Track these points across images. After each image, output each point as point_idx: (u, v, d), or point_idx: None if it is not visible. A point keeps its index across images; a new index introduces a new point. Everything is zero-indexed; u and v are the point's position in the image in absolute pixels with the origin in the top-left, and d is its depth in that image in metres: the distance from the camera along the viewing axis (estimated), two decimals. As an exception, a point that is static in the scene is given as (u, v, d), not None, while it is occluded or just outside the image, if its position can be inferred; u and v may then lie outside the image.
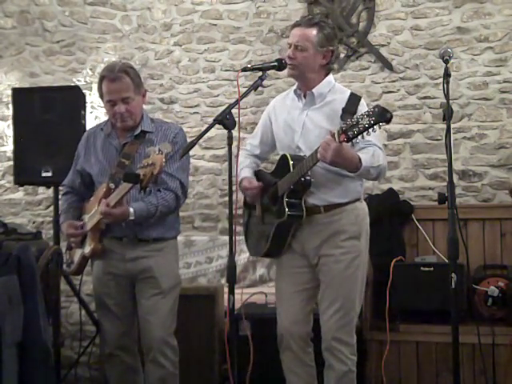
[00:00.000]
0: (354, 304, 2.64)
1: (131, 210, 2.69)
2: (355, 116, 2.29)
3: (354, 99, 2.64)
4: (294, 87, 2.79)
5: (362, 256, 2.68)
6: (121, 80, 2.74)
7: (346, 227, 2.65)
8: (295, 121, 2.72)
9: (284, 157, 2.67)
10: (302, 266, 2.72)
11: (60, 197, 3.12)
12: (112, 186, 2.78)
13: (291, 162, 2.60)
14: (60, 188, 3.12)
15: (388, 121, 2.24)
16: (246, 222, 2.95)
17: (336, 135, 2.32)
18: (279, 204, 2.63)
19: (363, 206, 2.75)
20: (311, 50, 2.65)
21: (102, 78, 2.79)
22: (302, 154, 2.63)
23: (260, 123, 2.94)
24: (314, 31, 2.65)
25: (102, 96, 2.82)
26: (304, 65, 2.66)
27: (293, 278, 2.73)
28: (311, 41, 2.64)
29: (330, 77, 2.75)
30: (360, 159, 2.43)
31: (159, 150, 2.36)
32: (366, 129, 2.24)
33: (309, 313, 2.74)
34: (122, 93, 2.74)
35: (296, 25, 2.71)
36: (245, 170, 2.85)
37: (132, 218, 2.70)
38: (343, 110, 2.56)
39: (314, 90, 2.70)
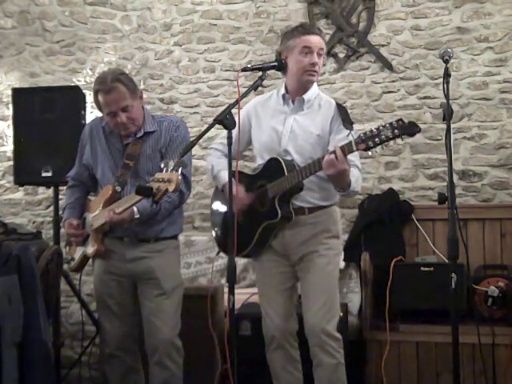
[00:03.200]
0: (336, 299, 2.72)
1: (135, 209, 2.68)
2: (376, 127, 2.37)
3: (342, 109, 2.73)
4: (282, 91, 2.81)
5: (339, 255, 2.83)
6: (116, 90, 2.69)
7: (330, 227, 2.76)
8: (281, 125, 2.76)
9: (276, 160, 2.71)
10: (282, 266, 2.79)
11: (66, 189, 3.05)
12: (118, 188, 2.77)
13: (285, 167, 2.65)
14: (66, 178, 3.06)
15: (414, 134, 2.35)
16: (220, 221, 2.93)
17: (353, 144, 2.40)
18: (270, 206, 2.68)
19: (338, 210, 2.87)
20: (324, 57, 2.76)
21: (96, 92, 2.74)
22: (289, 158, 2.70)
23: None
24: (323, 40, 2.75)
25: (100, 109, 2.79)
26: (320, 70, 2.76)
27: (275, 277, 2.79)
28: (324, 48, 2.75)
29: (315, 84, 2.82)
30: (350, 184, 2.55)
31: (174, 167, 2.33)
32: (389, 140, 2.34)
33: (294, 310, 2.82)
34: (120, 103, 2.71)
35: (311, 32, 2.72)
36: (224, 172, 2.82)
37: (137, 216, 2.70)
38: (342, 119, 2.63)
39: (304, 96, 2.76)
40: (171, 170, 2.31)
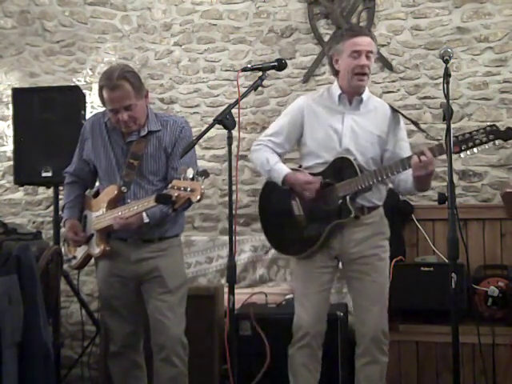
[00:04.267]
0: (388, 299, 2.82)
1: (144, 213, 2.67)
2: (469, 131, 2.49)
3: (397, 112, 2.84)
4: (337, 91, 2.80)
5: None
6: (121, 88, 2.65)
7: (384, 228, 2.84)
8: (340, 124, 2.78)
9: (345, 160, 2.72)
10: (329, 267, 2.82)
11: (64, 185, 3.01)
12: (124, 189, 2.75)
13: (357, 167, 2.69)
14: (64, 174, 3.02)
15: (509, 139, 2.47)
16: (271, 223, 2.92)
17: (444, 146, 2.48)
18: (340, 204, 2.70)
19: None
20: (374, 57, 2.79)
21: (101, 87, 2.70)
22: (351, 157, 2.72)
23: (285, 121, 2.88)
24: (372, 40, 2.77)
25: (104, 104, 2.76)
26: (370, 72, 2.78)
27: (319, 277, 2.80)
28: (374, 49, 2.77)
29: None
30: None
31: (195, 176, 2.27)
32: (482, 144, 2.45)
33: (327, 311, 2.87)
34: (124, 101, 2.67)
35: (361, 33, 2.76)
36: (280, 164, 2.82)
37: (147, 221, 2.69)
38: (414, 123, 2.84)
39: (363, 96, 2.80)
40: (191, 179, 2.27)
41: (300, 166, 2.92)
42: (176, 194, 2.27)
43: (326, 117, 2.80)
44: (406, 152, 2.78)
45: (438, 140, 4.18)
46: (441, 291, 3.13)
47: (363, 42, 2.71)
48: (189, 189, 2.27)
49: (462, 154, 2.51)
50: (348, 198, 2.69)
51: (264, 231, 2.96)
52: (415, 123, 2.84)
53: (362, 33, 2.76)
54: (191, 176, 2.27)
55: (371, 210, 2.78)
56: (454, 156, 2.46)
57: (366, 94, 2.81)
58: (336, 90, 2.82)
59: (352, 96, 2.80)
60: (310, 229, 2.78)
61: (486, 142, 2.45)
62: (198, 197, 2.26)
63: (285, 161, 2.90)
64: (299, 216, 2.81)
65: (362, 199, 2.74)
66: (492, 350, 3.30)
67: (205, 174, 2.31)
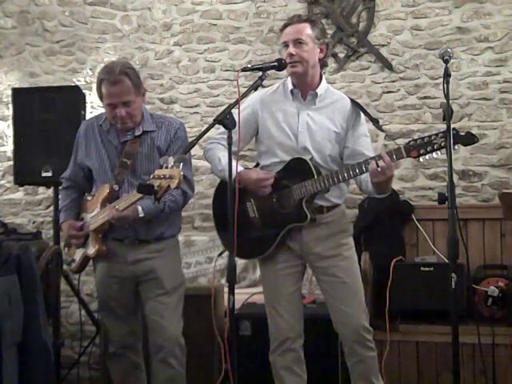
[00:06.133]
0: (363, 294, 2.74)
1: (139, 207, 2.67)
2: (428, 134, 2.40)
3: (358, 104, 2.73)
4: (289, 86, 2.74)
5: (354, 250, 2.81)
6: (121, 83, 2.66)
7: (345, 226, 2.78)
8: (296, 121, 2.70)
9: (301, 161, 2.64)
10: (296, 266, 2.76)
11: (60, 190, 3.03)
12: (116, 187, 2.76)
13: (314, 169, 2.60)
14: (61, 180, 3.03)
15: (469, 144, 2.39)
16: (226, 226, 2.86)
17: (403, 150, 2.43)
18: (296, 208, 2.63)
19: None
20: (310, 44, 2.65)
21: (100, 81, 2.70)
22: (309, 157, 2.65)
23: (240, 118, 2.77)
24: (307, 26, 2.66)
25: (101, 98, 2.75)
26: (307, 59, 2.65)
27: (289, 277, 2.75)
28: (308, 34, 2.65)
29: (324, 78, 2.77)
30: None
31: (175, 163, 2.28)
32: (441, 148, 2.35)
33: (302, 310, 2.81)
34: (123, 96, 2.67)
35: (287, 24, 2.69)
36: (233, 163, 2.71)
37: (142, 215, 2.69)
38: (371, 119, 2.69)
39: (317, 91, 2.71)
40: (171, 166, 2.27)
41: (257, 165, 2.86)
42: (157, 184, 2.27)
43: (280, 114, 2.72)
44: (366, 148, 2.69)
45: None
46: (441, 291, 3.14)
47: (289, 31, 2.64)
48: (168, 176, 2.26)
49: (421, 159, 2.42)
50: (304, 201, 2.61)
51: (218, 234, 2.89)
52: (375, 121, 2.72)
53: (291, 22, 2.67)
54: (171, 164, 2.28)
55: (330, 209, 2.70)
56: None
57: (321, 88, 2.71)
58: (289, 85, 2.75)
59: (305, 91, 2.70)
60: (265, 232, 2.70)
61: (445, 147, 2.34)
62: (176, 183, 2.25)
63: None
64: (254, 218, 2.73)
65: (320, 199, 2.66)
66: (492, 350, 3.30)
67: (182, 159, 2.30)
